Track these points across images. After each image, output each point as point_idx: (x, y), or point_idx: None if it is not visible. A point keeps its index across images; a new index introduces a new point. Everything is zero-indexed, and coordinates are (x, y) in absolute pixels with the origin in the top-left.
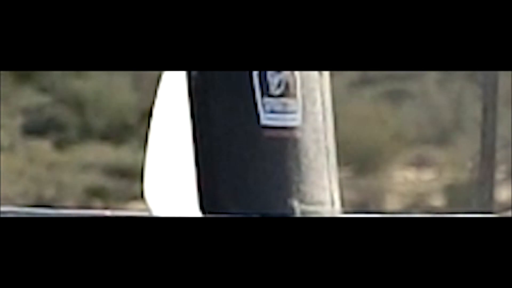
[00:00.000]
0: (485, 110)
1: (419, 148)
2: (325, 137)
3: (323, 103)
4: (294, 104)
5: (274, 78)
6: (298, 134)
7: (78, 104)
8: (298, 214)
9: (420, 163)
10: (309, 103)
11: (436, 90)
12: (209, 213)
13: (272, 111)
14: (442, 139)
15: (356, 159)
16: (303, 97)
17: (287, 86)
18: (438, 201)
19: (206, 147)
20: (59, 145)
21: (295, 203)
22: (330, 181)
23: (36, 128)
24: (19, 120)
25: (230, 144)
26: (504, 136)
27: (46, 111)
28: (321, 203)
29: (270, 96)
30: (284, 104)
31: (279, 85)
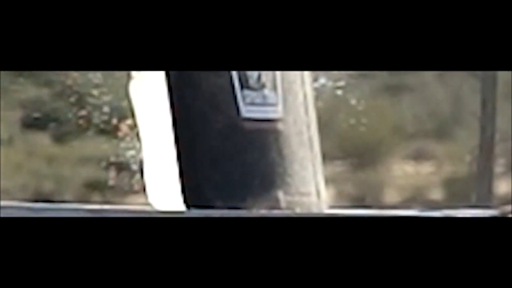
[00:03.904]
0: (484, 104)
1: (418, 142)
2: (308, 129)
3: (304, 95)
4: (274, 96)
5: (253, 71)
6: (280, 126)
7: (77, 98)
8: (283, 205)
9: (419, 157)
10: (290, 96)
11: (435, 84)
12: (193, 206)
13: (252, 104)
14: (441, 132)
15: (355, 152)
16: (284, 89)
17: (266, 79)
18: (437, 195)
19: (187, 141)
20: (58, 139)
21: (280, 195)
22: (315, 172)
23: (35, 122)
24: (18, 114)
25: (211, 137)
26: (503, 130)
27: (45, 105)
28: (306, 194)
29: (250, 88)
30: (264, 97)
31: (258, 78)
